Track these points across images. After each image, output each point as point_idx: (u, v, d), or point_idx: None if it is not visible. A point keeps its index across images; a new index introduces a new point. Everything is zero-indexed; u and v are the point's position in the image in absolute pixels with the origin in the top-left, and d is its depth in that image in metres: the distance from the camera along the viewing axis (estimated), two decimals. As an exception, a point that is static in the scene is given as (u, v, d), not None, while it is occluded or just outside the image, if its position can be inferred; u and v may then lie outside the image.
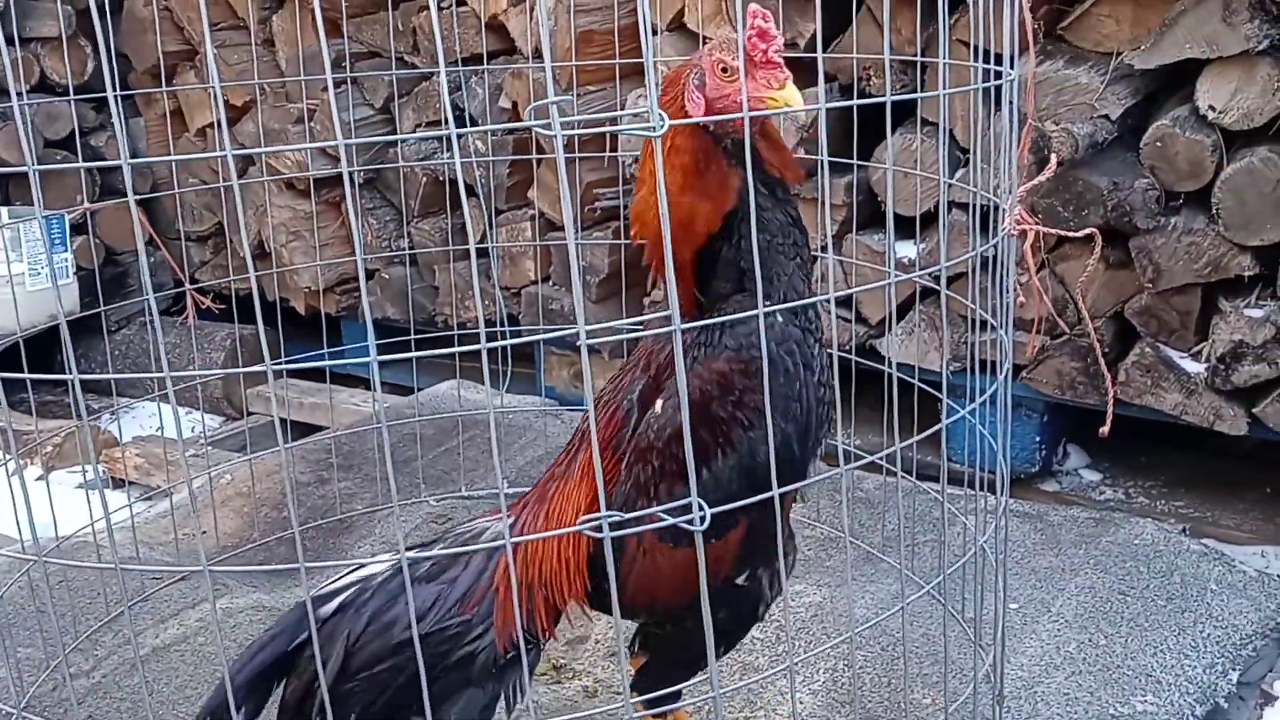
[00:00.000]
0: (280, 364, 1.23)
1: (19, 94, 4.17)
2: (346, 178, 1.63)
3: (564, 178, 1.20)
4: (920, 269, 2.75)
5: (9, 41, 4.32)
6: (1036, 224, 1.86)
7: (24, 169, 1.18)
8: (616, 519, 1.24)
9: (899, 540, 2.47)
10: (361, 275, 1.29)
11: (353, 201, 3.62)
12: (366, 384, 4.19)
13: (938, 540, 2.52)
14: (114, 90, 1.16)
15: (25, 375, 1.21)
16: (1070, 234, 1.83)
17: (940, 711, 1.99)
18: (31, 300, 3.89)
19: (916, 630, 2.23)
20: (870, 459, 1.60)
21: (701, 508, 1.26)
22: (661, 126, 1.18)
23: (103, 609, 2.42)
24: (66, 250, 4.05)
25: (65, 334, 1.21)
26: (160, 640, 2.35)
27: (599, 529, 1.23)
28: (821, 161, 1.48)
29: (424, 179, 3.71)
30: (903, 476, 2.38)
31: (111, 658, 2.31)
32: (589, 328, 1.21)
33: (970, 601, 2.19)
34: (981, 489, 1.98)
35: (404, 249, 3.79)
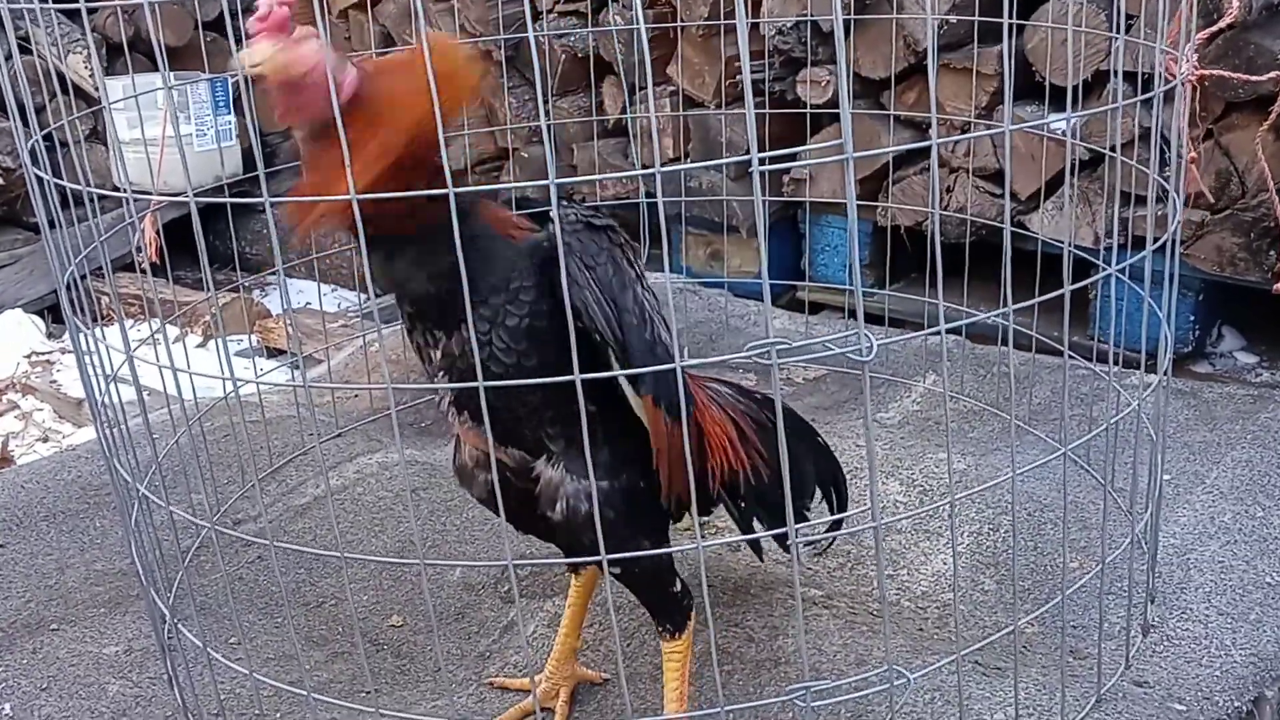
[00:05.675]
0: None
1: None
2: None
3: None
4: (1078, 141, 2.66)
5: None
6: (1209, 76, 1.79)
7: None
8: (784, 346, 1.26)
9: (1063, 409, 2.42)
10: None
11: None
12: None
13: (1085, 416, 2.48)
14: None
15: (226, 199, 1.26)
16: (1253, 78, 1.75)
17: (1085, 574, 1.98)
18: (198, 161, 4.00)
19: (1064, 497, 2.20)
20: (976, 318, 1.57)
21: (868, 338, 1.27)
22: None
23: (266, 461, 2.54)
24: (230, 113, 4.14)
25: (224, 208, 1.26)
26: (320, 490, 2.46)
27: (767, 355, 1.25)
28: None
29: (564, 56, 3.71)
30: (1035, 342, 2.34)
31: (276, 505, 2.43)
32: (761, 155, 1.21)
33: (1119, 472, 2.16)
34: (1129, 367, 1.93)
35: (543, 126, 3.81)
